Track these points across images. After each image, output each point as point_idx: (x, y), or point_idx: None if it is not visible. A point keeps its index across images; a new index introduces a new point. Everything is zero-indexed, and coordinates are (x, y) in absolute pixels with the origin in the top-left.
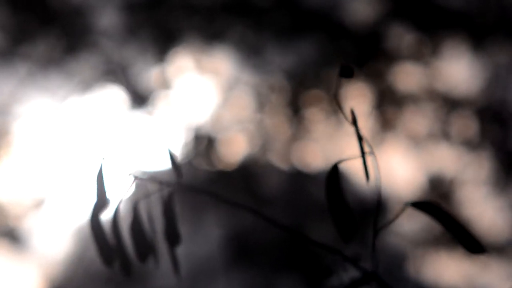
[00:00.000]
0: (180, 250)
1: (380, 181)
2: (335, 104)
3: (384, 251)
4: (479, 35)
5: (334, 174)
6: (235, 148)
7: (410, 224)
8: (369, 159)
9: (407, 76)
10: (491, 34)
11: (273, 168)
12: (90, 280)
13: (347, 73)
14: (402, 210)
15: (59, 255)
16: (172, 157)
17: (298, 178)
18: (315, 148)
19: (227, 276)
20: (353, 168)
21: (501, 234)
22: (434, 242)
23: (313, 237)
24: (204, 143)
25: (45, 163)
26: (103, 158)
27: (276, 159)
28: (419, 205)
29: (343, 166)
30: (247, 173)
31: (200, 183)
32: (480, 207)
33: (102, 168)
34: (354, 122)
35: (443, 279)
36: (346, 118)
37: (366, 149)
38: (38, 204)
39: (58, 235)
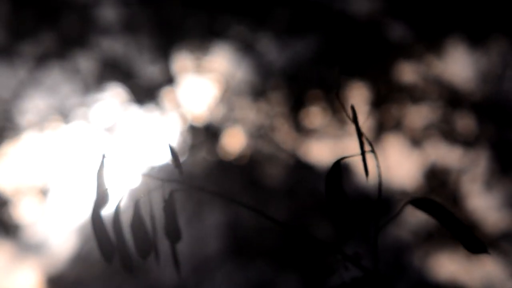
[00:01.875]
0: (181, 247)
1: (381, 178)
2: (337, 102)
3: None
4: (477, 33)
5: (335, 171)
6: (236, 141)
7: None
8: (369, 157)
9: (407, 74)
10: (489, 33)
11: (273, 159)
12: (89, 274)
13: (349, 71)
14: (402, 208)
15: (60, 249)
16: (173, 154)
17: (301, 171)
18: (317, 145)
19: (228, 273)
20: (358, 165)
21: (496, 229)
22: (435, 237)
23: (317, 232)
24: (206, 135)
25: (48, 158)
26: (104, 155)
27: (277, 152)
28: (420, 203)
29: (346, 163)
30: (248, 164)
31: (203, 173)
32: (477, 202)
33: (103, 164)
34: (355, 119)
35: (443, 273)
36: (347, 115)
37: (367, 146)
38: (41, 198)
39: (60, 229)
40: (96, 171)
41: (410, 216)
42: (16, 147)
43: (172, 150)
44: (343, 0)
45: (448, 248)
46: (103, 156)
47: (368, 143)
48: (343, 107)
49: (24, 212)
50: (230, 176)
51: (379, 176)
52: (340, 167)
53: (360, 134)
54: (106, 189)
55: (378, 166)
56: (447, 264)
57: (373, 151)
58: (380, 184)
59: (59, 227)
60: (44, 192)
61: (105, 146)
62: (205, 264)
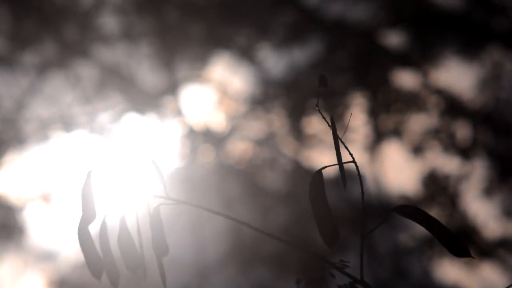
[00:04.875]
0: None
1: (363, 188)
2: (318, 112)
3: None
4: (474, 41)
5: (318, 179)
6: (238, 147)
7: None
8: (352, 166)
9: (404, 83)
10: (486, 41)
11: (274, 164)
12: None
13: (323, 82)
14: (387, 215)
15: (63, 253)
16: (157, 169)
17: (301, 176)
18: (317, 151)
19: (223, 279)
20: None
21: (492, 235)
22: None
23: (315, 238)
24: (207, 141)
25: (51, 166)
26: (90, 172)
27: (278, 157)
28: (404, 210)
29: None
30: (249, 168)
31: (206, 178)
32: (475, 209)
33: (90, 181)
34: (334, 130)
35: (444, 278)
36: (328, 125)
37: (349, 156)
38: (43, 202)
39: (62, 232)
40: (82, 188)
41: (412, 223)
42: (19, 156)
43: (155, 166)
44: (342, 9)
45: (446, 255)
46: (89, 173)
47: (350, 154)
48: (323, 117)
49: (28, 218)
50: (231, 180)
51: (361, 186)
52: (321, 176)
53: (337, 145)
54: (93, 205)
55: (359, 176)
56: (448, 270)
57: (354, 161)
58: (363, 194)
59: (63, 233)
60: (47, 199)
61: (101, 155)
62: (199, 270)
